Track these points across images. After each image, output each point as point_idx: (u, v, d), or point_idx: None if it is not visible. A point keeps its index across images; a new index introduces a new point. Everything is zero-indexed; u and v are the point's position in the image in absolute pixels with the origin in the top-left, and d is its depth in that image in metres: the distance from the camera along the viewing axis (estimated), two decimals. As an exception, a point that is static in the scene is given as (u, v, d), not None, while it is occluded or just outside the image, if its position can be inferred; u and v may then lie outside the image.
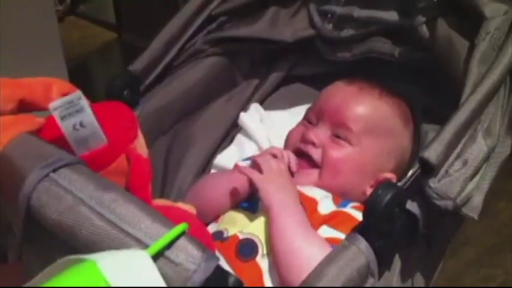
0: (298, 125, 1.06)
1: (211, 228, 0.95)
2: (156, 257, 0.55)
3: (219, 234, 0.91)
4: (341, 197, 0.95)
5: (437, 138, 0.76)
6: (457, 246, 0.93)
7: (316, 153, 0.98)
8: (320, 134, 0.99)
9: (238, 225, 0.91)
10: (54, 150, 0.68)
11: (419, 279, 0.86)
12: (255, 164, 0.93)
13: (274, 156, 0.95)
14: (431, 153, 0.75)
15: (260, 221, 0.89)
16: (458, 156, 0.77)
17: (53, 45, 1.54)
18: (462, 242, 1.48)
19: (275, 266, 0.83)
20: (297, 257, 0.80)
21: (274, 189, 0.88)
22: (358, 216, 0.89)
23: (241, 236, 0.88)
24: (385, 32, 1.08)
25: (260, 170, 0.91)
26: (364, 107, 1.00)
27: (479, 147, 0.79)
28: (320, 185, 0.97)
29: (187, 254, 0.56)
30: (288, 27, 1.14)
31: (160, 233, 0.57)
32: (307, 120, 1.05)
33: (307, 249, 0.79)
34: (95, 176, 0.65)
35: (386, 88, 1.04)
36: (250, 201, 0.94)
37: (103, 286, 0.51)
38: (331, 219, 0.89)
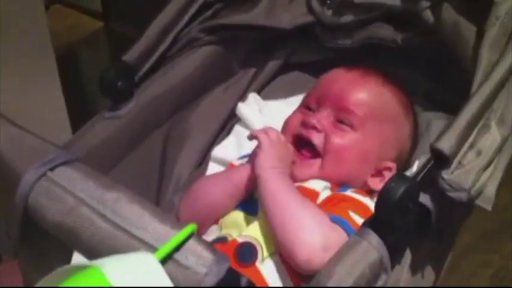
0: (295, 112, 1.01)
1: (214, 233, 0.91)
2: (164, 261, 0.52)
3: (223, 240, 0.88)
4: (340, 185, 0.93)
5: (449, 129, 0.74)
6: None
7: (318, 139, 0.94)
8: (322, 118, 0.95)
9: (241, 229, 0.88)
10: (50, 147, 0.64)
11: (429, 272, 0.84)
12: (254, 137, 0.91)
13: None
14: (445, 144, 0.72)
15: (259, 224, 0.86)
16: (471, 146, 0.75)
17: (40, 33, 1.51)
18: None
19: (270, 227, 0.82)
20: (293, 216, 0.79)
21: (272, 156, 0.88)
22: (356, 196, 0.88)
23: (240, 240, 0.85)
24: (387, 18, 1.05)
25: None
26: (368, 92, 0.97)
27: (492, 136, 0.77)
28: (322, 176, 0.93)
29: (198, 257, 0.53)
30: (285, 13, 1.10)
31: (169, 235, 0.54)
32: (306, 106, 1.00)
33: (303, 211, 0.80)
34: (95, 174, 0.62)
35: (388, 75, 1.01)
36: (249, 203, 0.91)
37: (109, 293, 0.48)
38: (325, 203, 0.87)
